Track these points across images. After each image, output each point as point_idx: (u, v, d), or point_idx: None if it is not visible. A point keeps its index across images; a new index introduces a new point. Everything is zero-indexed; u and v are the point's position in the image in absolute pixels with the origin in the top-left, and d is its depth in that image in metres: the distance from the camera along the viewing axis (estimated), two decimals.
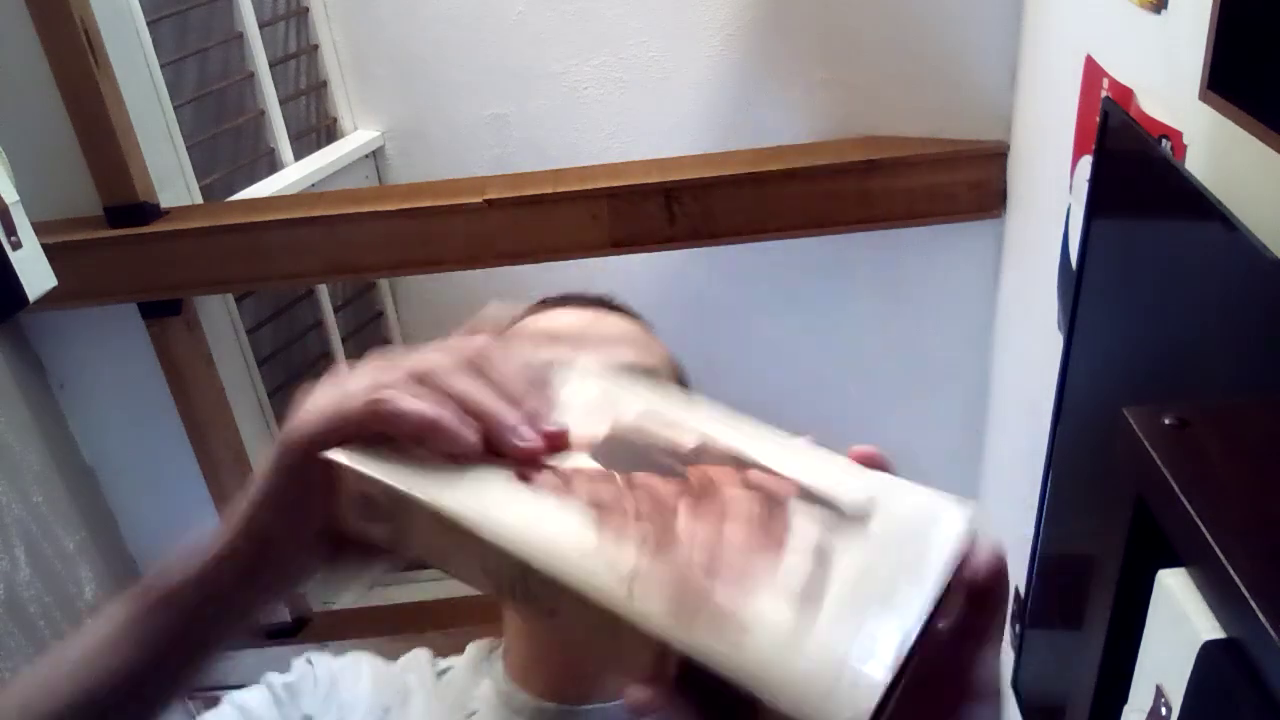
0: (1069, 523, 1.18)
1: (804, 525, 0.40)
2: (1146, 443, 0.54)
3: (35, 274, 1.34)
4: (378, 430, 0.44)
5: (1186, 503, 0.50)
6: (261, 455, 0.50)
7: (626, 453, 0.45)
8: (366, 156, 2.02)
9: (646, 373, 0.68)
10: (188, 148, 1.78)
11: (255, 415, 1.99)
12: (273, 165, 1.96)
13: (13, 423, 1.71)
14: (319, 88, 2.01)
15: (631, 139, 1.91)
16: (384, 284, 2.16)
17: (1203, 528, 0.48)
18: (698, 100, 1.86)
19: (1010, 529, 1.50)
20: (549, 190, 1.73)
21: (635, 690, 0.36)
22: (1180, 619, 0.50)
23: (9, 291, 1.30)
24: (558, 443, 0.45)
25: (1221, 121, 0.86)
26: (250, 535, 0.48)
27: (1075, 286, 1.12)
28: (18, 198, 1.31)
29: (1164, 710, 0.52)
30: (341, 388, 0.45)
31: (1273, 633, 0.42)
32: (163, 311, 1.78)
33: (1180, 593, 0.50)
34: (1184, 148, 0.95)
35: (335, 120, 2.02)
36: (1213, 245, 0.79)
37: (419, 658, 0.75)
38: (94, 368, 1.85)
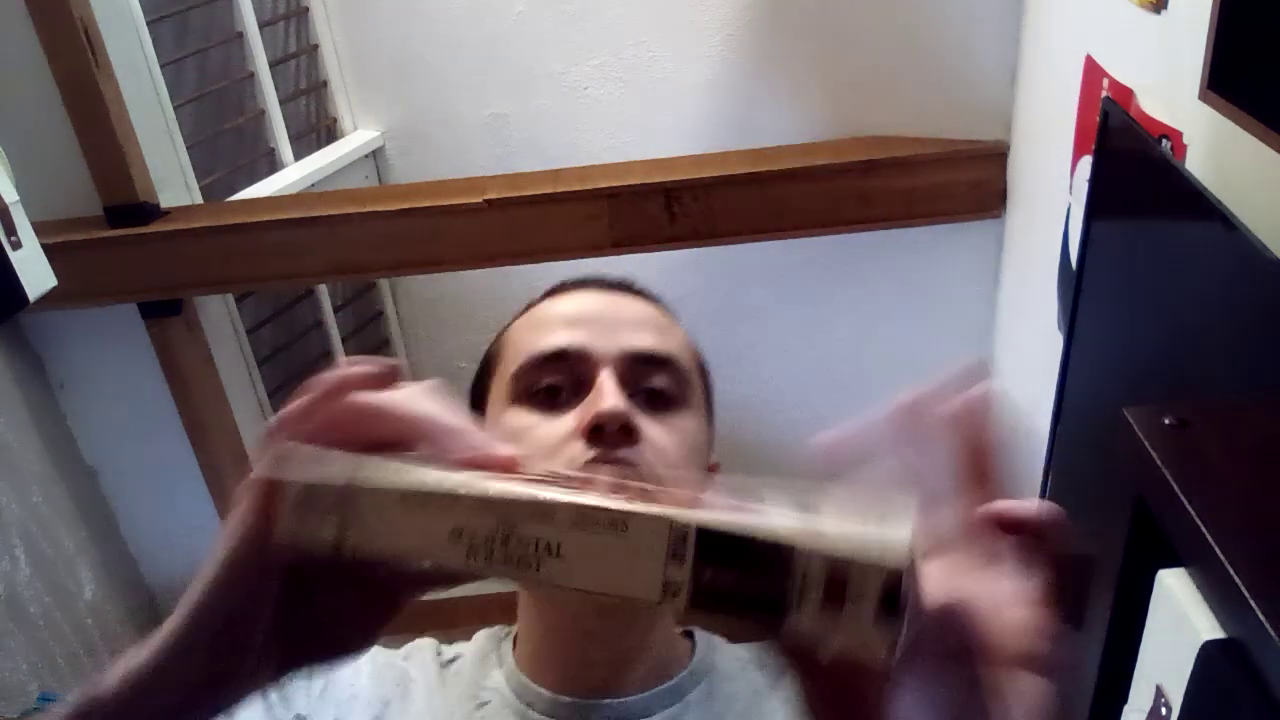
0: (1069, 523, 1.18)
1: (774, 492, 0.39)
2: (1146, 443, 0.54)
3: (35, 274, 1.34)
4: (348, 434, 0.40)
5: (1186, 503, 0.50)
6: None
7: (573, 478, 0.42)
8: (366, 156, 2.02)
9: (665, 357, 0.67)
10: (188, 148, 1.78)
11: (255, 415, 1.99)
12: (273, 165, 1.96)
13: (13, 423, 1.71)
14: (319, 88, 2.01)
15: (631, 139, 1.91)
16: (384, 284, 2.16)
17: (1203, 528, 0.48)
18: (698, 100, 1.87)
19: None
20: (549, 190, 1.73)
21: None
22: (1180, 619, 0.50)
23: (9, 291, 1.30)
24: (515, 464, 0.42)
25: (1221, 121, 0.86)
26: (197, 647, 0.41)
27: (1075, 286, 1.12)
28: (18, 198, 1.31)
29: (1164, 710, 0.52)
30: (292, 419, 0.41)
31: (1273, 633, 0.42)
32: (163, 311, 1.78)
33: (1180, 593, 0.51)
34: (1184, 148, 0.95)
35: (335, 120, 2.02)
36: (1213, 245, 0.79)
37: (423, 646, 0.73)
38: (94, 368, 1.85)
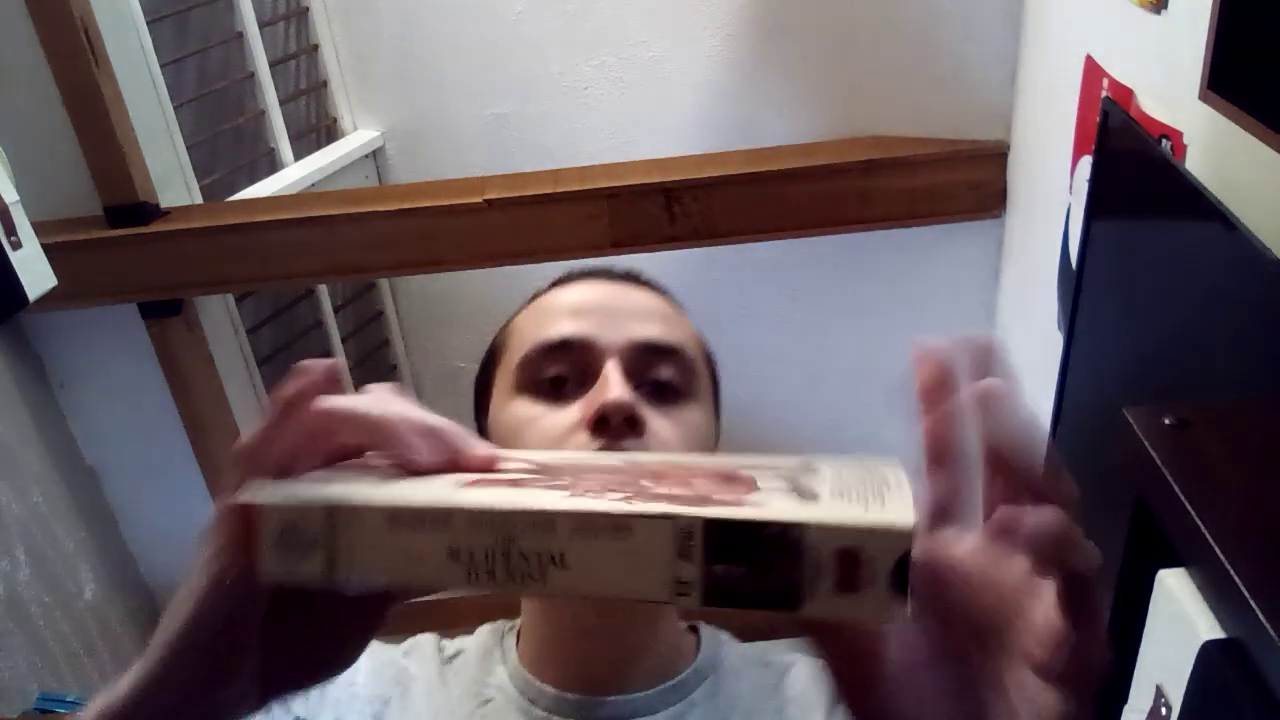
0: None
1: (765, 476, 0.38)
2: (1146, 443, 0.54)
3: (35, 274, 1.34)
4: (316, 446, 0.39)
5: (1186, 503, 0.50)
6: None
7: (559, 470, 0.42)
8: (366, 156, 2.02)
9: (672, 347, 0.66)
10: (188, 148, 1.78)
11: (255, 415, 1.98)
12: (273, 165, 1.96)
13: (13, 423, 1.71)
14: (319, 88, 2.01)
15: (631, 139, 1.91)
16: (384, 284, 2.16)
17: (1203, 528, 0.48)
18: (698, 100, 1.87)
19: None
20: (549, 190, 1.73)
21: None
22: (1180, 619, 0.50)
23: (9, 291, 1.30)
24: (493, 463, 0.41)
25: (1221, 121, 0.86)
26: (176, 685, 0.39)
27: (1075, 286, 1.12)
28: (18, 198, 1.31)
29: (1164, 710, 0.52)
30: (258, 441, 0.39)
31: (1273, 633, 0.42)
32: (163, 311, 1.78)
33: (1180, 593, 0.51)
34: (1184, 148, 0.95)
35: (335, 120, 2.02)
36: (1213, 245, 0.79)
37: (423, 642, 0.72)
38: (94, 368, 1.85)
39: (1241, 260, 0.74)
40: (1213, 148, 0.90)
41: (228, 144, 1.95)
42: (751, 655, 0.70)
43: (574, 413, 0.61)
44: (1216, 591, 0.48)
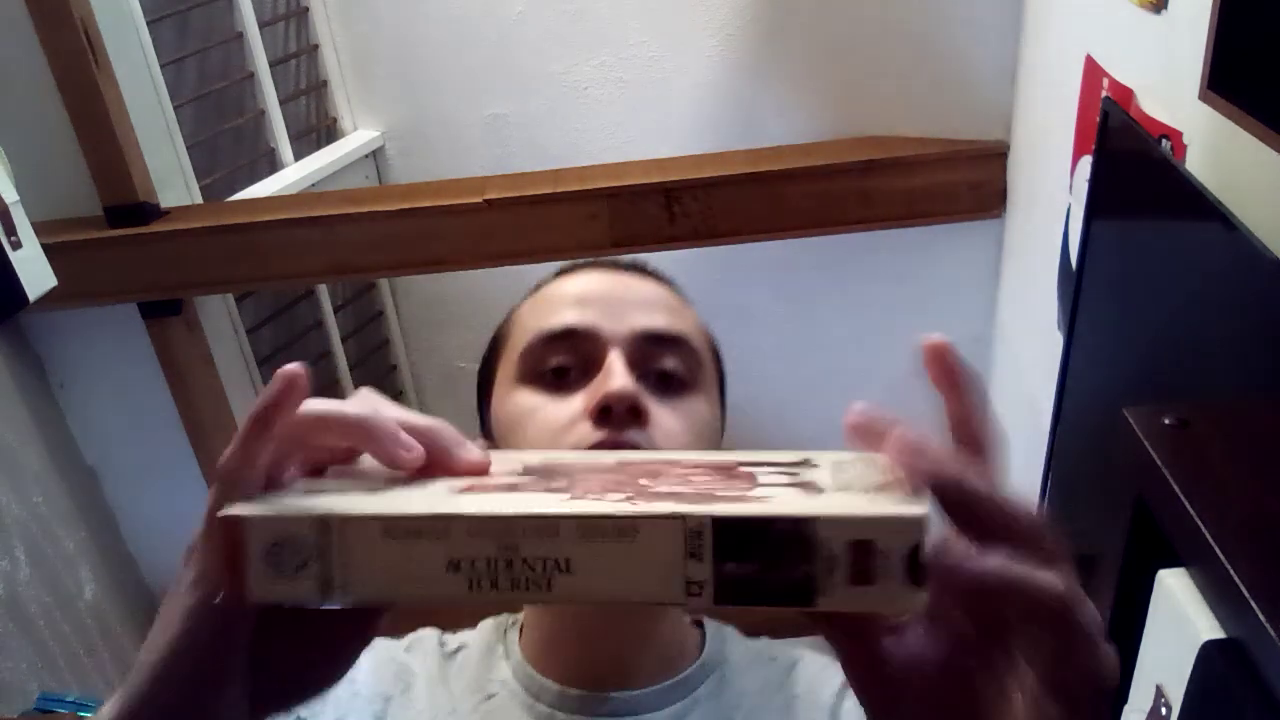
0: (1069, 523, 1.18)
1: (763, 472, 0.38)
2: (1146, 443, 0.54)
3: (35, 274, 1.34)
4: (301, 454, 0.39)
5: (1186, 503, 0.50)
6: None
7: (553, 471, 0.41)
8: (366, 156, 2.02)
9: (676, 337, 0.65)
10: (188, 148, 1.78)
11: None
12: (273, 165, 1.96)
13: (13, 423, 1.71)
14: (319, 88, 2.01)
15: (631, 139, 1.91)
16: (384, 284, 2.16)
17: (1203, 528, 0.48)
18: (698, 100, 1.87)
19: None
20: (549, 190, 1.73)
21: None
22: (1180, 619, 0.50)
23: (9, 291, 1.31)
24: (485, 467, 0.41)
25: (1221, 121, 0.86)
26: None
27: (1075, 286, 1.12)
28: (18, 198, 1.31)
29: (1164, 710, 0.52)
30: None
31: (1273, 633, 0.42)
32: (163, 311, 1.78)
33: (1180, 593, 0.51)
34: (1184, 148, 0.95)
35: (335, 120, 2.02)
36: (1213, 245, 0.79)
37: (425, 637, 0.72)
38: (94, 368, 1.85)
39: (1241, 260, 0.74)
40: (1213, 148, 0.90)
41: (228, 144, 1.95)
42: (757, 650, 0.70)
43: (577, 403, 0.61)
44: (1216, 591, 0.48)
